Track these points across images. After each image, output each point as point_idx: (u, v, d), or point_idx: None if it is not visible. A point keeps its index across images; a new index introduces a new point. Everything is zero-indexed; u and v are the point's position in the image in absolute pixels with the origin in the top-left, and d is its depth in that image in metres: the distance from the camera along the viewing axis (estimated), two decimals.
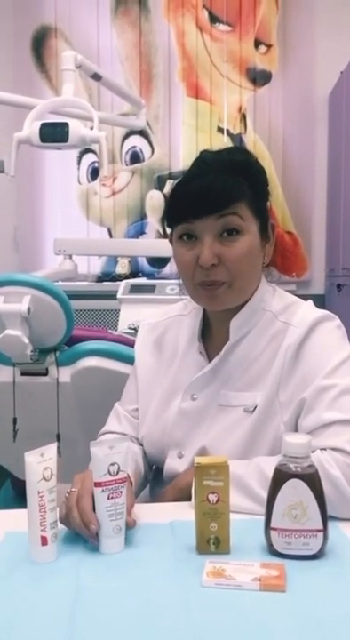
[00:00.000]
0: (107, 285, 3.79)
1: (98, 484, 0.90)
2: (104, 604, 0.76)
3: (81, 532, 0.91)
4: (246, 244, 1.09)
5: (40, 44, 3.89)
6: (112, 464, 0.90)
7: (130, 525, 0.93)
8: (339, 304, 3.47)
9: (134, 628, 0.71)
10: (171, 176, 3.90)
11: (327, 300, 3.84)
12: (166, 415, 1.19)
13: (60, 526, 0.91)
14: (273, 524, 0.87)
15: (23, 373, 1.85)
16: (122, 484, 0.91)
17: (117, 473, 0.90)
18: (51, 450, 0.89)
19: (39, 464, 0.87)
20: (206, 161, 1.12)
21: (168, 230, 1.19)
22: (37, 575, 0.84)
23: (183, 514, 0.99)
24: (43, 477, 0.87)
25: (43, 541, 0.87)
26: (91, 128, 2.19)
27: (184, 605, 0.75)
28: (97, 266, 3.92)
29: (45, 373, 1.84)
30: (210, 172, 1.08)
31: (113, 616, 0.74)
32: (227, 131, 3.91)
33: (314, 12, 3.82)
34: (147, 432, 1.22)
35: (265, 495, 0.90)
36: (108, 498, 0.90)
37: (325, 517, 0.87)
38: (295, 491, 0.86)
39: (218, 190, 1.06)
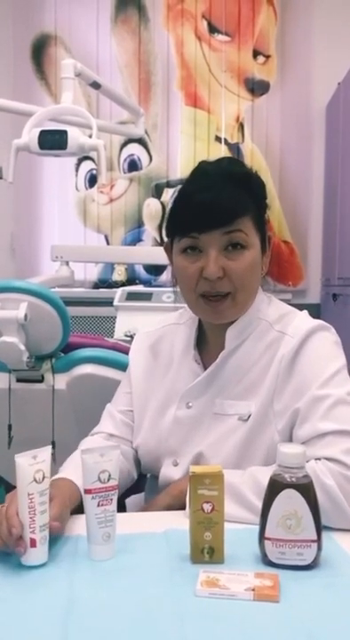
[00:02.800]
0: (103, 292, 3.79)
1: (88, 491, 0.90)
2: (97, 613, 0.76)
3: (8, 543, 0.86)
4: (250, 258, 1.10)
5: (40, 51, 3.90)
6: (102, 472, 0.90)
7: (55, 531, 0.91)
8: (335, 313, 3.48)
9: (127, 638, 0.71)
10: (168, 184, 3.91)
11: (323, 309, 3.85)
12: (162, 424, 1.19)
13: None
14: (267, 534, 0.87)
15: (19, 380, 1.84)
16: (112, 492, 0.91)
17: (108, 480, 0.90)
18: (44, 452, 0.90)
19: (31, 466, 0.87)
20: (208, 172, 1.12)
21: (165, 239, 1.19)
22: (29, 583, 0.84)
23: (177, 523, 0.99)
24: (35, 479, 0.87)
25: (32, 543, 0.87)
26: (90, 136, 2.20)
27: (177, 615, 0.75)
28: (94, 273, 3.93)
29: (41, 380, 1.83)
30: (215, 185, 1.08)
31: (106, 625, 0.74)
32: (225, 140, 3.93)
33: (312, 23, 3.86)
34: (143, 442, 1.21)
35: (259, 504, 0.90)
36: (98, 505, 0.90)
37: (319, 528, 0.87)
38: (289, 501, 0.86)
39: (224, 205, 1.06)
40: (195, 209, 1.08)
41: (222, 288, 1.09)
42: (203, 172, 1.13)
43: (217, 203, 1.06)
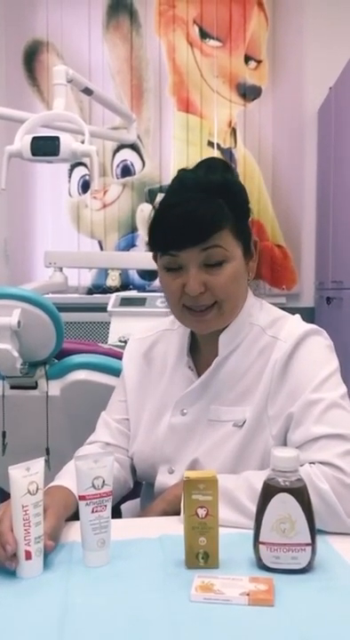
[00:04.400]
0: (97, 298, 3.79)
1: (82, 498, 0.90)
2: (92, 619, 0.76)
3: (0, 559, 0.86)
4: (231, 271, 1.09)
5: (32, 58, 3.91)
6: (96, 478, 0.90)
7: (47, 549, 0.90)
8: (329, 317, 3.49)
9: None
10: (161, 189, 3.91)
11: (316, 312, 3.86)
12: (157, 431, 1.19)
13: None
14: (261, 539, 0.87)
15: (12, 387, 1.84)
16: (106, 498, 0.91)
17: (102, 487, 0.90)
18: (37, 464, 0.89)
19: (24, 478, 0.87)
20: (185, 184, 1.11)
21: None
22: (24, 589, 0.84)
23: (172, 528, 0.99)
24: (29, 491, 0.87)
25: (27, 556, 0.87)
26: (82, 142, 2.20)
27: (172, 620, 0.75)
28: (87, 278, 3.93)
29: (35, 387, 1.83)
30: (190, 200, 1.06)
31: (101, 631, 0.73)
32: (218, 145, 3.94)
33: (303, 27, 3.88)
34: (138, 449, 1.21)
35: (254, 509, 0.90)
36: (92, 511, 0.90)
37: (313, 531, 0.87)
38: (283, 505, 0.86)
39: (199, 221, 1.05)
40: (171, 227, 1.07)
41: (205, 302, 1.09)
42: (181, 183, 1.12)
43: (192, 220, 1.05)
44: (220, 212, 1.07)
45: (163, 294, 1.19)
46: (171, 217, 1.08)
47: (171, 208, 1.09)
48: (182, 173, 1.15)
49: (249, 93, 3.93)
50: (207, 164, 1.15)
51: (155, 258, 1.17)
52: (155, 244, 1.12)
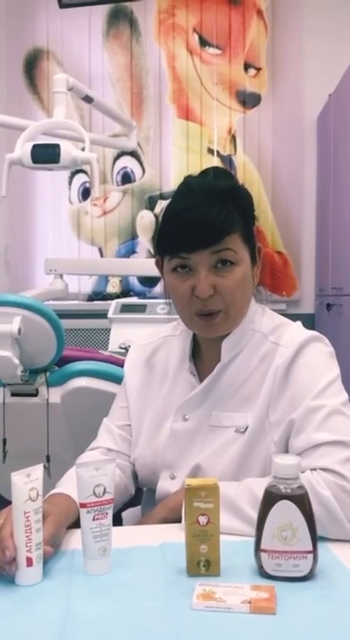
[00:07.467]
0: (97, 304, 3.80)
1: (83, 505, 0.90)
2: (93, 627, 0.76)
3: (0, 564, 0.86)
4: (240, 274, 1.10)
5: (32, 66, 3.93)
6: (97, 485, 0.90)
7: (46, 554, 0.90)
8: (329, 323, 3.49)
9: None
10: (161, 196, 3.93)
11: (316, 319, 3.86)
12: (158, 437, 1.19)
13: None
14: (263, 546, 0.87)
15: (13, 394, 1.84)
16: (108, 506, 0.90)
17: (103, 494, 0.90)
18: (37, 470, 0.89)
19: (25, 484, 0.87)
20: (194, 189, 1.11)
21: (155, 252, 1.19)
22: (24, 597, 0.84)
23: (173, 536, 0.99)
24: (30, 498, 0.87)
25: (29, 562, 0.86)
26: (83, 149, 2.21)
27: (174, 629, 0.75)
28: (88, 285, 3.93)
29: (35, 394, 1.83)
30: (201, 204, 1.07)
31: (102, 639, 0.73)
32: (217, 152, 3.95)
33: (302, 35, 3.90)
34: (140, 455, 1.21)
35: (255, 516, 0.90)
36: (93, 519, 0.89)
37: (315, 539, 0.87)
38: (285, 512, 0.86)
39: (211, 224, 1.06)
40: (183, 229, 1.07)
41: (214, 306, 1.09)
42: (189, 188, 1.12)
43: (204, 222, 1.06)
44: (230, 216, 1.08)
45: (164, 301, 1.19)
46: (183, 220, 1.08)
47: (182, 212, 1.09)
48: (189, 179, 1.15)
49: (248, 101, 3.94)
50: (213, 171, 1.16)
51: (158, 263, 1.17)
52: (164, 248, 1.12)
